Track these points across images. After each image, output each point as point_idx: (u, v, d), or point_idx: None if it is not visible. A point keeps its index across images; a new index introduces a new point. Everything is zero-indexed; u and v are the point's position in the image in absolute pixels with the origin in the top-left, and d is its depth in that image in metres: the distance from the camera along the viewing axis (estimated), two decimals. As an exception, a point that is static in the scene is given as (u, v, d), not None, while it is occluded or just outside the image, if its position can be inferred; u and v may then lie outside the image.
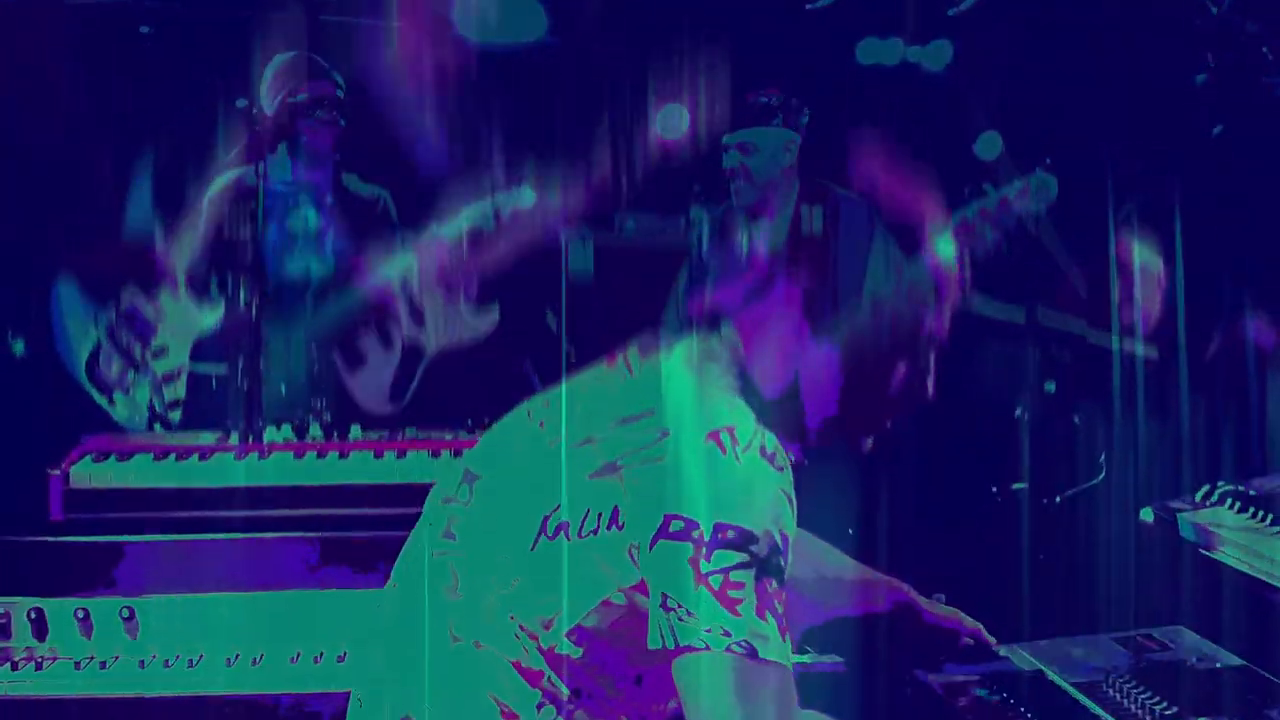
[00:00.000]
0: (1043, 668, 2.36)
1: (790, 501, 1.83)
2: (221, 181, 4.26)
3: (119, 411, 4.13)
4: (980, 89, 4.39)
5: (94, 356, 4.14)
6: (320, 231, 4.33)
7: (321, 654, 3.08)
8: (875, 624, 2.40)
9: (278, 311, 4.17)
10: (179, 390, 4.17)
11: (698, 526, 1.75)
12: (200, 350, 4.22)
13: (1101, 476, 4.19)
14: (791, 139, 3.92)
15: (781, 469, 1.84)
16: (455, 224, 4.22)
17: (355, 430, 3.72)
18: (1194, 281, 4.14)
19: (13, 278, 4.19)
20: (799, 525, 1.87)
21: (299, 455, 3.59)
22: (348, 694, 2.12)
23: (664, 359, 1.99)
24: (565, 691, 1.87)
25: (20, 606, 3.04)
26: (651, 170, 4.50)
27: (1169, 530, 2.64)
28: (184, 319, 4.20)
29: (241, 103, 4.07)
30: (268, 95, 4.24)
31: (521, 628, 1.87)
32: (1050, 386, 4.34)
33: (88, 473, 3.39)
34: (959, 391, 3.97)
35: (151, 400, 4.13)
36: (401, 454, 3.62)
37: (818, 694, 1.93)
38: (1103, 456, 4.23)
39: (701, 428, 1.83)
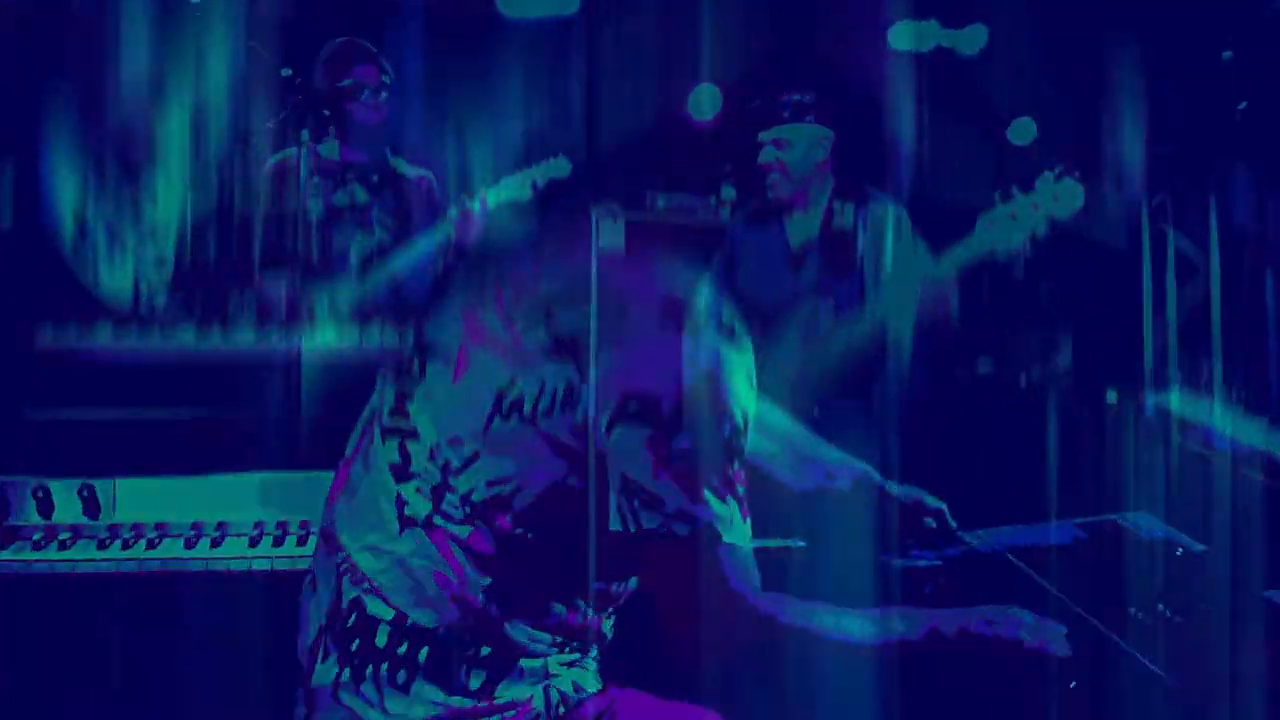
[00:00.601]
0: (1006, 552, 2.34)
1: (750, 379, 1.83)
2: (276, 159, 4.36)
3: (104, 289, 4.11)
4: (1014, 73, 4.37)
5: (81, 232, 4.17)
6: (366, 208, 4.41)
7: (286, 530, 3.10)
8: (839, 502, 2.38)
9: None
10: (166, 271, 4.17)
11: (657, 407, 1.74)
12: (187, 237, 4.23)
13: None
14: (825, 135, 3.98)
15: (740, 345, 1.83)
16: (494, 194, 4.30)
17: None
18: (1229, 271, 4.08)
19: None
20: (766, 400, 1.87)
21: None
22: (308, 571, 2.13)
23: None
24: (514, 573, 1.87)
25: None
26: (683, 149, 4.53)
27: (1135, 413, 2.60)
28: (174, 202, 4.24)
29: (286, 72, 4.16)
30: (319, 77, 4.35)
31: (474, 507, 1.86)
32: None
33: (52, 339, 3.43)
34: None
35: (137, 281, 4.13)
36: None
37: (778, 574, 1.91)
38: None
39: (657, 301, 1.84)
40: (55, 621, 2.96)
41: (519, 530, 1.84)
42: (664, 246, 4.34)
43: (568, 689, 1.95)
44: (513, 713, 1.90)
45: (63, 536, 3.04)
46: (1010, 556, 2.32)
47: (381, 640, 1.91)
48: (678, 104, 4.54)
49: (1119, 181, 4.44)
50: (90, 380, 3.35)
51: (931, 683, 2.09)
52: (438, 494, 1.90)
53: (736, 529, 1.75)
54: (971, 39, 4.62)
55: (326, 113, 4.20)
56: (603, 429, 1.77)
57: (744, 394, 1.80)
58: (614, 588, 1.95)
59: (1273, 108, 3.75)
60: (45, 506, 3.07)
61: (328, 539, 2.04)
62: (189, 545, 3.02)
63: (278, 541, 3.04)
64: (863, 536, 2.34)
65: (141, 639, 2.96)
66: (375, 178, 4.39)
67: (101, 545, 3.03)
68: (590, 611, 1.93)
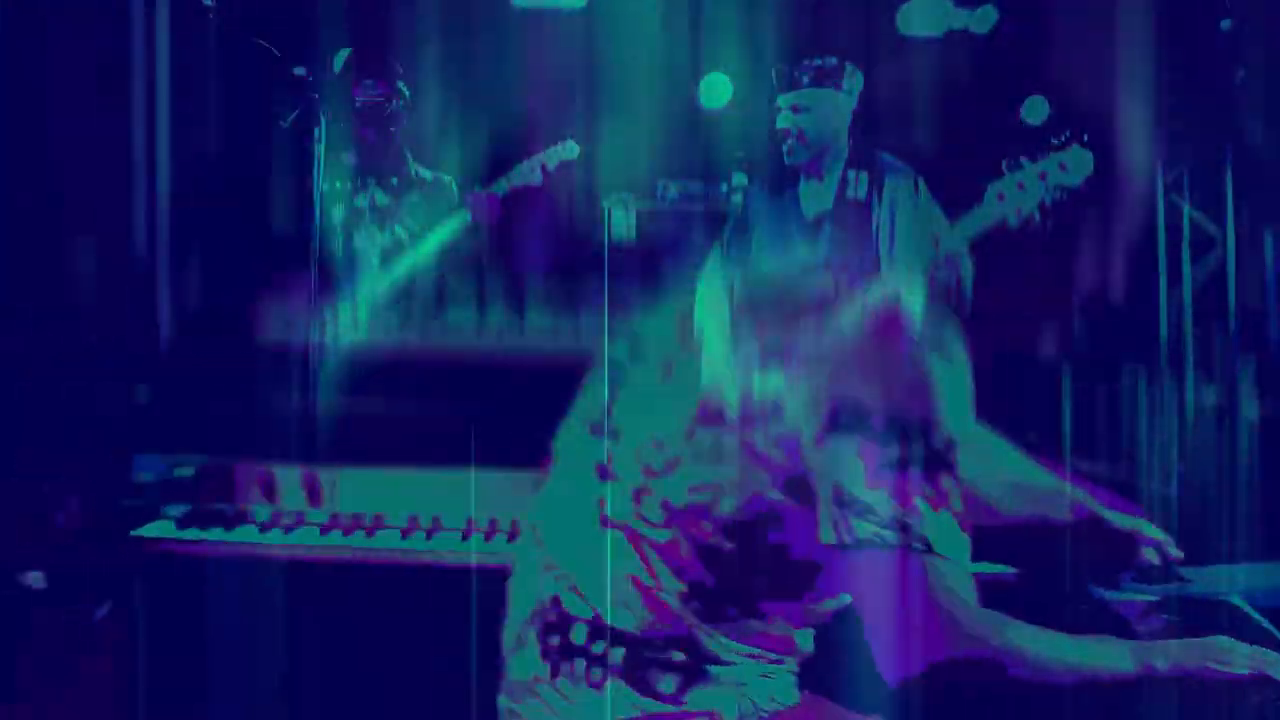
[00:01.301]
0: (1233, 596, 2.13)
1: (967, 393, 1.79)
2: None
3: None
4: (1026, 52, 4.35)
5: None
6: (386, 210, 4.44)
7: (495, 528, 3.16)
8: (1054, 532, 2.25)
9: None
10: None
11: (869, 416, 1.71)
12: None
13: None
14: (844, 102, 3.91)
15: (955, 358, 1.79)
16: (504, 181, 4.34)
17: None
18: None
19: None
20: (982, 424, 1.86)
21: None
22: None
23: None
24: (712, 582, 1.83)
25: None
26: (693, 138, 4.54)
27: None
28: None
29: (300, 70, 4.20)
30: (332, 88, 4.40)
31: (674, 512, 1.84)
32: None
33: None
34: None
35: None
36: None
37: (987, 603, 1.83)
38: None
39: (873, 312, 1.80)
40: (273, 602, 3.05)
41: (718, 538, 1.82)
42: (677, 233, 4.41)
43: (762, 700, 1.91)
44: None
45: (286, 521, 3.16)
46: (1238, 600, 2.11)
47: (579, 638, 1.90)
48: (688, 93, 4.54)
49: (1133, 157, 4.41)
50: (319, 372, 3.54)
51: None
52: (639, 496, 1.88)
53: (952, 542, 1.71)
54: (983, 19, 4.60)
55: (340, 123, 4.27)
56: (813, 439, 1.74)
57: (959, 407, 1.76)
58: (821, 603, 1.89)
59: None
60: (270, 492, 3.18)
61: (531, 535, 2.04)
62: (404, 536, 3.12)
63: (487, 537, 3.12)
64: (1076, 567, 2.26)
65: (355, 624, 3.05)
66: (395, 180, 4.44)
67: (323, 532, 3.13)
68: (789, 624, 1.90)
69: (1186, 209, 4.37)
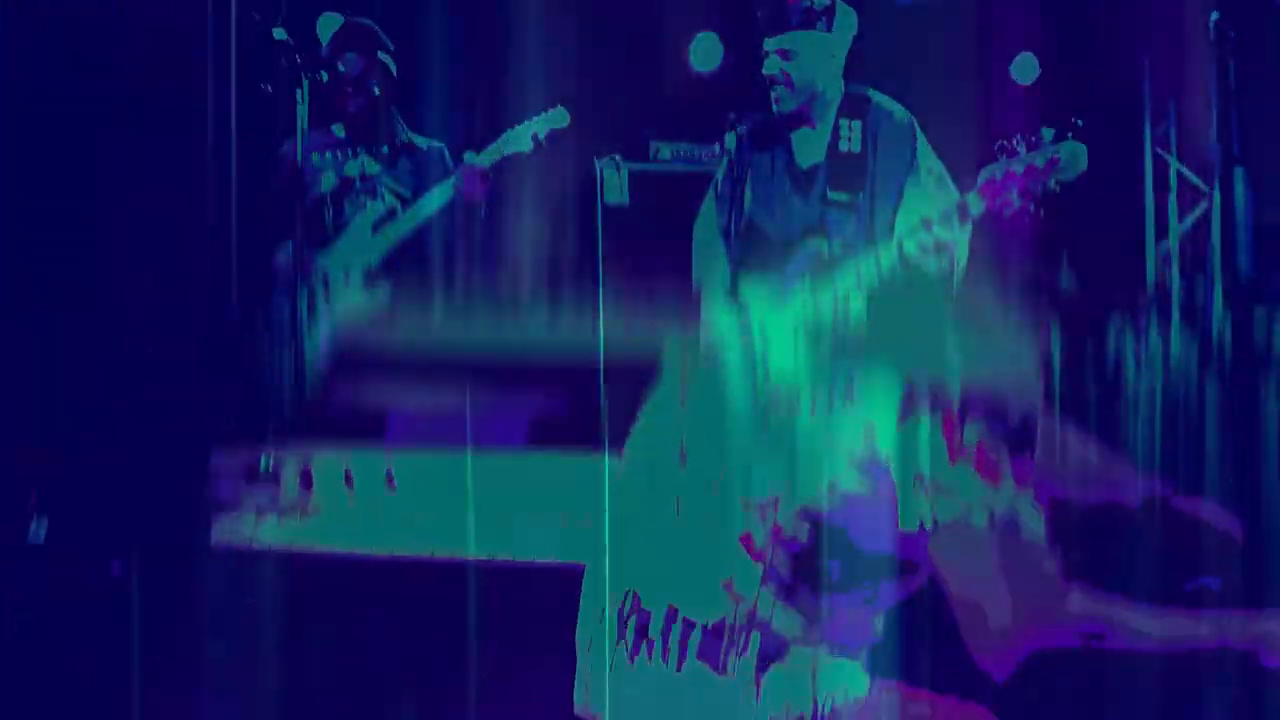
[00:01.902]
0: None
1: (1036, 373, 1.87)
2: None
3: None
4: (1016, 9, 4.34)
5: None
6: (376, 178, 4.44)
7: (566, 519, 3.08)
8: (1124, 517, 2.29)
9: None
10: None
11: (948, 398, 1.76)
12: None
13: None
14: (836, 44, 3.77)
15: (1023, 340, 1.89)
16: (494, 149, 4.29)
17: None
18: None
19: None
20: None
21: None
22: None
23: None
24: (788, 571, 1.87)
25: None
26: (686, 99, 4.52)
27: None
28: None
29: (280, 34, 4.15)
30: (317, 57, 4.38)
31: (749, 504, 1.88)
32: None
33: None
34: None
35: None
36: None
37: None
38: None
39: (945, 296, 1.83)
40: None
41: (796, 527, 1.87)
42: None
43: (834, 688, 1.93)
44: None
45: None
46: None
47: (655, 630, 1.97)
48: (679, 54, 4.52)
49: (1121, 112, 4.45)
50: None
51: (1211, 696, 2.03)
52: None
53: (1030, 519, 1.75)
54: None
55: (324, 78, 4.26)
56: (891, 423, 1.77)
57: (1031, 388, 1.81)
58: (903, 580, 1.92)
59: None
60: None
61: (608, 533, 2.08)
62: None
63: None
64: (1150, 554, 2.26)
65: (432, 624, 3.03)
66: (385, 149, 4.43)
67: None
68: (858, 609, 1.93)
69: (1174, 163, 4.43)
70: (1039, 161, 3.36)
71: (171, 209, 4.07)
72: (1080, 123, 3.39)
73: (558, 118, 4.27)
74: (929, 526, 1.74)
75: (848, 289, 3.54)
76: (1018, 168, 3.36)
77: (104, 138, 4.04)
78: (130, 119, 4.10)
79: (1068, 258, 4.40)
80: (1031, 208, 3.33)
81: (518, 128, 4.28)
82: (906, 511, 1.76)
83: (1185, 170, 4.44)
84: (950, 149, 3.80)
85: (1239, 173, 4.18)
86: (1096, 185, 4.32)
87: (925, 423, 1.73)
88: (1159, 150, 4.50)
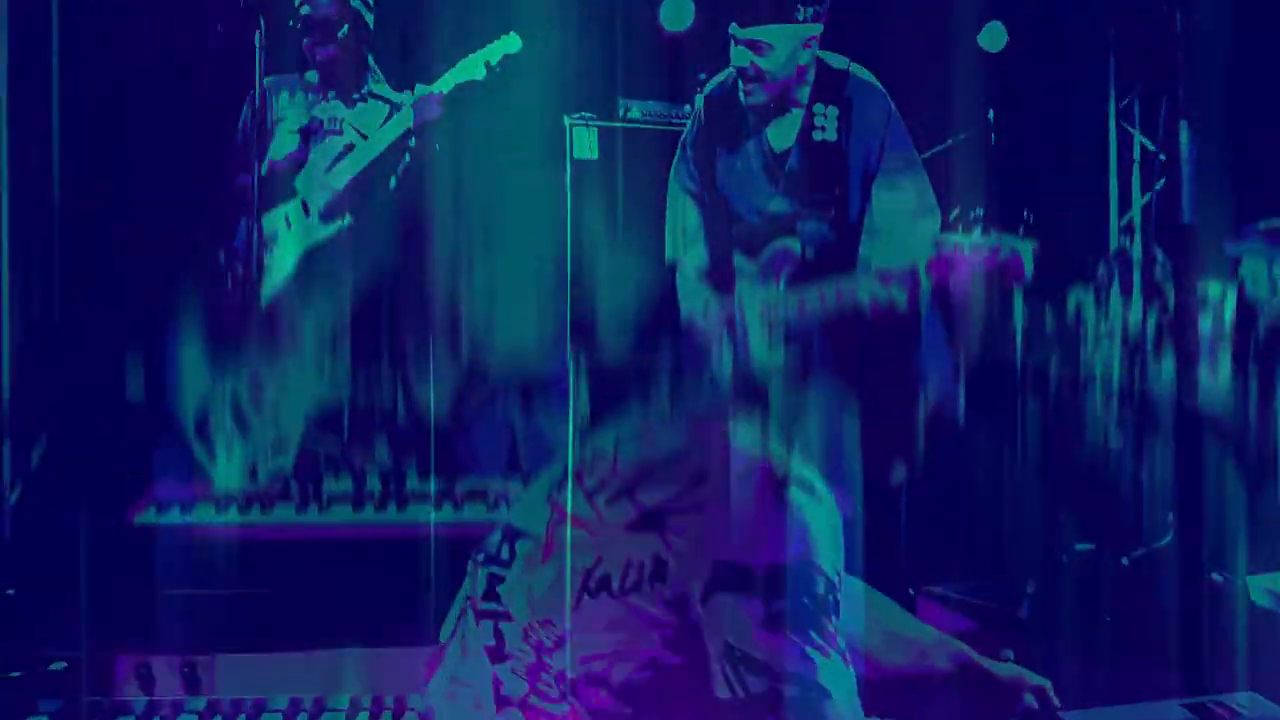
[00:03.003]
0: None
1: (836, 532, 1.83)
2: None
3: (220, 472, 4.12)
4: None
5: (205, 413, 4.17)
6: (342, 121, 4.44)
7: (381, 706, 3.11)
8: (935, 683, 2.27)
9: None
10: (286, 460, 4.19)
11: (748, 572, 1.75)
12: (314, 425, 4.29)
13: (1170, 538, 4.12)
14: (811, 34, 3.65)
15: (822, 500, 1.83)
16: (449, 76, 4.26)
17: (412, 479, 3.85)
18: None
19: (141, 323, 4.22)
20: (863, 581, 1.92)
21: (358, 507, 3.72)
22: None
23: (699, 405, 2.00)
24: None
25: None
26: (656, 58, 4.49)
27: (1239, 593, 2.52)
28: (303, 388, 4.27)
29: None
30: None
31: (567, 684, 1.87)
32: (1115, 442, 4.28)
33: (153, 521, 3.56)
34: (1026, 446, 4.03)
35: (255, 467, 4.15)
36: (458, 505, 3.72)
37: None
38: (1171, 517, 4.16)
39: (738, 469, 1.84)
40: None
41: (616, 706, 1.86)
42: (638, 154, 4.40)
43: None
44: None
45: (163, 713, 3.06)
46: None
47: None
48: (650, 13, 4.49)
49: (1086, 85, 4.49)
50: (192, 557, 3.49)
51: None
52: (533, 674, 1.91)
53: (844, 685, 1.76)
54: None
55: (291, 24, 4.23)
56: (698, 598, 1.78)
57: (831, 549, 1.80)
58: None
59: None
60: (147, 683, 3.08)
61: None
62: None
63: (372, 718, 3.05)
64: (961, 717, 2.27)
65: None
66: (356, 96, 4.45)
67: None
68: None
69: (1137, 135, 4.48)
70: (984, 249, 3.46)
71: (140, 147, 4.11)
72: (1031, 218, 3.46)
73: (510, 43, 4.28)
74: (741, 696, 1.76)
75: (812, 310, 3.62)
76: (965, 250, 3.45)
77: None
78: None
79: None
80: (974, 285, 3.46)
81: (471, 55, 4.29)
82: (719, 682, 1.78)
83: (1148, 142, 4.49)
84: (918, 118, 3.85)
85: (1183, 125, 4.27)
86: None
87: (729, 596, 1.76)
88: (1123, 124, 4.56)
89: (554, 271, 4.28)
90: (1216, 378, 4.03)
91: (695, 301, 3.94)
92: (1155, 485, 4.22)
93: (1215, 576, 3.67)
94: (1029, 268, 3.53)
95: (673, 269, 4.03)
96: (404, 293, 4.32)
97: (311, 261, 4.38)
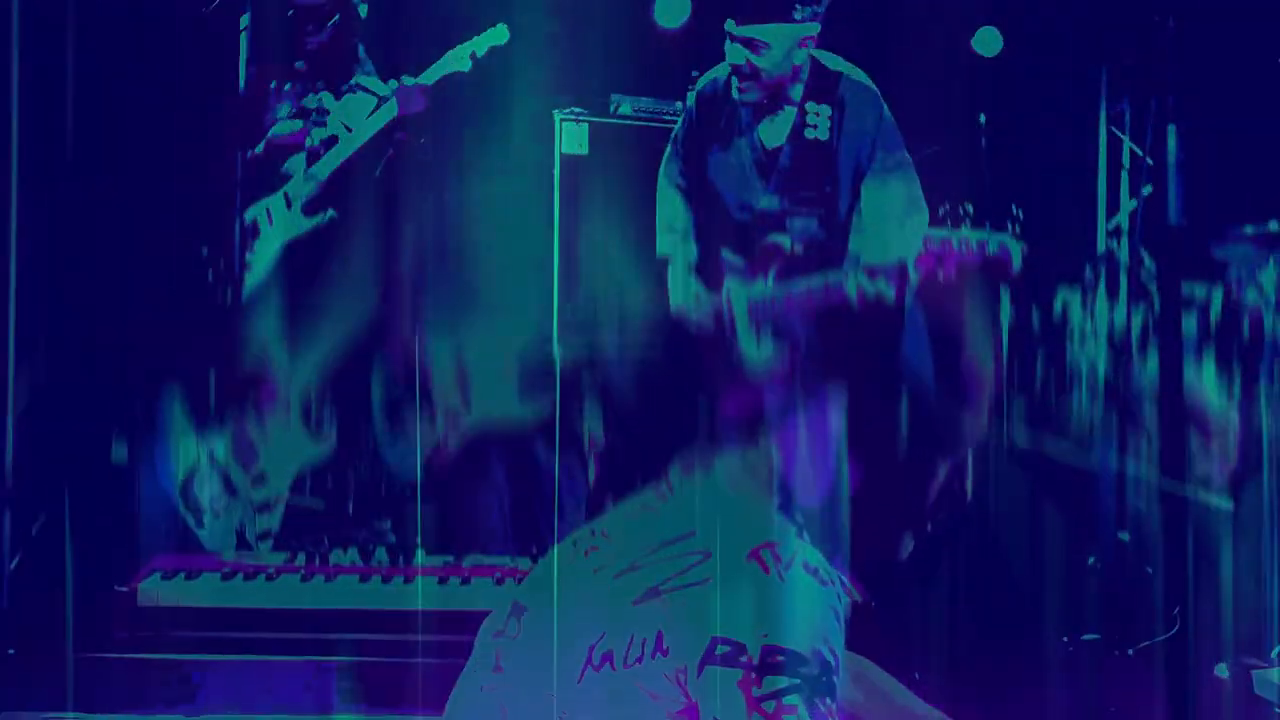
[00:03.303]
0: None
1: (838, 617, 1.81)
2: None
3: (207, 534, 4.09)
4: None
5: (191, 475, 4.12)
6: (330, 113, 4.41)
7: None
8: None
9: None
10: (273, 521, 4.16)
11: (745, 650, 1.73)
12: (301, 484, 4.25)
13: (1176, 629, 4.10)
14: (807, 34, 3.65)
15: (827, 584, 1.81)
16: (434, 69, 4.22)
17: (420, 555, 3.81)
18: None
19: (124, 383, 4.16)
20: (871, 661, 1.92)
21: (364, 579, 3.67)
22: None
23: (702, 477, 1.95)
24: None
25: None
26: (649, 55, 4.49)
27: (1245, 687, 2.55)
28: (290, 449, 4.22)
29: None
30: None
31: None
32: (1124, 536, 4.26)
33: (155, 590, 3.50)
34: (1028, 535, 4.06)
35: (243, 527, 4.11)
36: (465, 580, 3.69)
37: None
38: (1177, 610, 4.12)
39: (742, 547, 1.81)
40: None
41: None
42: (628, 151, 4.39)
43: None
44: None
45: None
46: None
47: None
48: (644, 9, 4.49)
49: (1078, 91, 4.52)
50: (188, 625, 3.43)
51: None
52: None
53: None
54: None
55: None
56: (693, 673, 1.75)
57: (832, 631, 1.78)
58: None
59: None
60: None
61: None
62: None
63: None
64: None
65: None
66: (344, 87, 4.42)
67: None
68: None
69: (1126, 141, 4.52)
70: (972, 244, 3.47)
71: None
72: (1021, 215, 3.48)
73: (497, 35, 4.23)
74: None
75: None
76: (954, 243, 3.47)
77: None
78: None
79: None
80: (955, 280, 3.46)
81: (457, 47, 4.25)
82: None
83: (1137, 148, 4.54)
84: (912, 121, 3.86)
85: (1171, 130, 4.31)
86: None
87: (724, 673, 1.72)
88: (1113, 129, 4.60)
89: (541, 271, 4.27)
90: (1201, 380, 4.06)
91: (685, 297, 3.95)
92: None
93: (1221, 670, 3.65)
94: (1017, 262, 3.53)
95: (663, 264, 4.02)
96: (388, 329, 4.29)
97: (292, 255, 4.35)
